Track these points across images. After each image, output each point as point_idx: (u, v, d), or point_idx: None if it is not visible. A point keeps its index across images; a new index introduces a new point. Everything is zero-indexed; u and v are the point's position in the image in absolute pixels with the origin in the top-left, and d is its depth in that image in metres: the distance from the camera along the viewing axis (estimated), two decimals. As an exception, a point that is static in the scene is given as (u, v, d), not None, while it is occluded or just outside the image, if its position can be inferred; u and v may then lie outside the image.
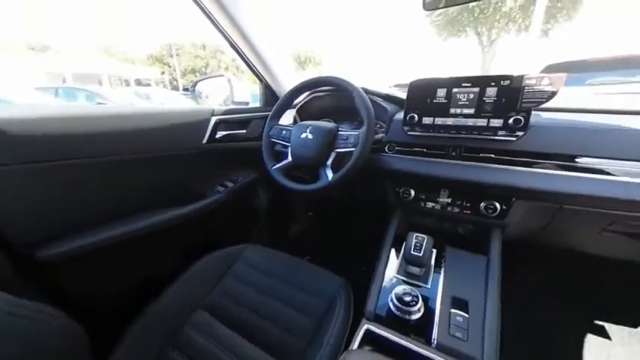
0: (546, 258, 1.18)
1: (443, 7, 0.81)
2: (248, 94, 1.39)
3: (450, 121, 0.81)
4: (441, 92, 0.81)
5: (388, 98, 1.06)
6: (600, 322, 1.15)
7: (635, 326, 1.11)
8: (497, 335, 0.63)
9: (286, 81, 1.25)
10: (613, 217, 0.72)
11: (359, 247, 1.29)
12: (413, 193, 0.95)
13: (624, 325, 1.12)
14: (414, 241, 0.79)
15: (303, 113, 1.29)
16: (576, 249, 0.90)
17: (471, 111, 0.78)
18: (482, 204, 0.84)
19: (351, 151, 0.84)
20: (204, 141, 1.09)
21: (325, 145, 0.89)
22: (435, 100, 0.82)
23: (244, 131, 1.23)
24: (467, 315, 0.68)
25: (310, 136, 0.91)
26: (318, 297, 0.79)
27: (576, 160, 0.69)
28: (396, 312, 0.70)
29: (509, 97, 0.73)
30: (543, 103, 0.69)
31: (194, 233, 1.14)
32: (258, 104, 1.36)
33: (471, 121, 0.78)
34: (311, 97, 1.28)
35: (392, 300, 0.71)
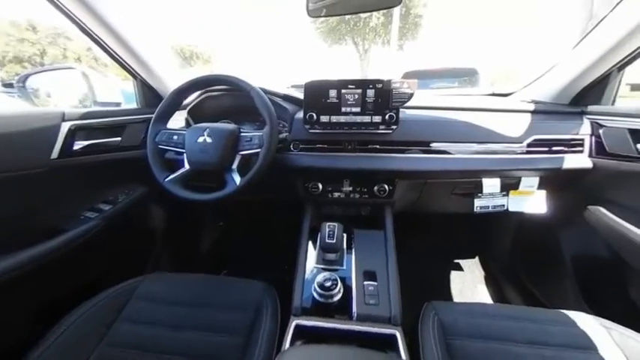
0: (422, 222, 1.52)
1: (325, 16, 0.90)
2: (118, 92, 1.13)
3: (342, 118, 0.92)
4: (333, 93, 0.90)
5: (287, 98, 1.09)
6: (456, 260, 1.59)
7: (473, 257, 1.60)
8: (399, 292, 0.77)
9: (170, 78, 1.09)
10: (455, 184, 1.02)
11: (279, 246, 1.28)
12: (320, 186, 1.02)
13: (468, 258, 1.60)
14: (327, 230, 0.85)
15: (197, 115, 1.16)
16: (438, 211, 1.21)
17: (358, 109, 0.90)
18: (376, 187, 0.99)
19: (257, 152, 0.82)
20: (55, 155, 0.81)
21: (228, 148, 0.83)
22: (328, 100, 0.91)
23: (118, 139, 0.99)
24: (376, 283, 0.79)
25: (209, 140, 0.83)
26: (241, 310, 0.74)
27: (431, 145, 0.93)
28: (320, 299, 0.75)
29: (384, 97, 0.89)
30: (406, 102, 0.88)
31: (59, 279, 0.85)
32: (134, 105, 1.13)
33: (358, 118, 0.91)
34: (204, 96, 1.16)
35: (315, 289, 0.75)
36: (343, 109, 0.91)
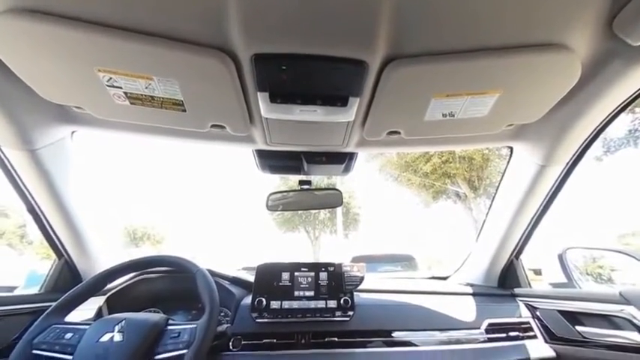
0: None
1: (281, 211, 1.08)
2: (23, 274, 0.93)
3: (295, 304, 0.84)
4: (286, 275, 0.88)
5: (235, 281, 1.01)
6: None
7: None
8: None
9: (105, 258, 0.98)
10: None
11: None
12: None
13: None
14: None
15: (118, 302, 0.94)
16: None
17: (312, 293, 0.86)
18: None
19: (182, 355, 0.62)
20: None
21: (140, 352, 0.62)
22: (280, 283, 0.87)
23: None
24: None
25: (119, 338, 0.63)
26: None
27: (392, 335, 0.84)
28: None
29: (337, 281, 0.89)
30: (359, 285, 0.89)
31: None
32: (34, 291, 0.90)
33: (312, 304, 0.84)
34: (136, 279, 1.01)
35: None
36: (296, 293, 0.86)
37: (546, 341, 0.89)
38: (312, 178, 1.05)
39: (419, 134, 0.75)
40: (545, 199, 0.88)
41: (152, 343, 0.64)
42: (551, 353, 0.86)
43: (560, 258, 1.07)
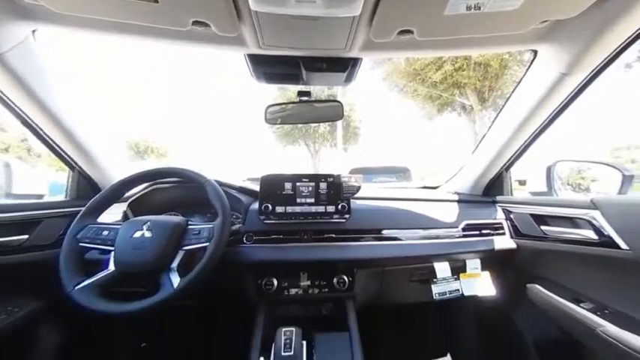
0: (388, 317, 1.41)
1: (280, 124, 1.06)
2: (44, 183, 1.00)
3: (298, 209, 0.94)
4: (288, 185, 0.96)
5: (242, 190, 1.10)
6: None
7: (445, 354, 1.46)
8: None
9: (115, 170, 1.03)
10: (411, 270, 1.03)
11: None
12: (275, 282, 0.93)
13: (440, 357, 1.45)
14: (283, 338, 0.72)
15: (140, 208, 1.06)
16: (400, 301, 1.16)
17: (312, 200, 0.95)
18: (335, 279, 0.94)
19: (205, 246, 0.74)
20: None
21: (170, 244, 0.74)
22: (284, 192, 0.95)
23: (24, 237, 0.81)
24: None
25: (148, 234, 0.74)
26: None
27: (382, 232, 0.98)
28: None
29: (335, 189, 0.97)
30: (355, 193, 0.98)
31: None
32: (61, 198, 0.99)
33: (313, 208, 0.95)
34: (151, 188, 1.10)
35: None
36: (298, 200, 0.95)
37: (511, 237, 1.05)
38: (311, 89, 0.98)
39: (435, 34, 0.65)
40: (555, 110, 0.85)
41: (178, 238, 0.76)
42: (513, 245, 1.02)
43: (549, 170, 1.12)
